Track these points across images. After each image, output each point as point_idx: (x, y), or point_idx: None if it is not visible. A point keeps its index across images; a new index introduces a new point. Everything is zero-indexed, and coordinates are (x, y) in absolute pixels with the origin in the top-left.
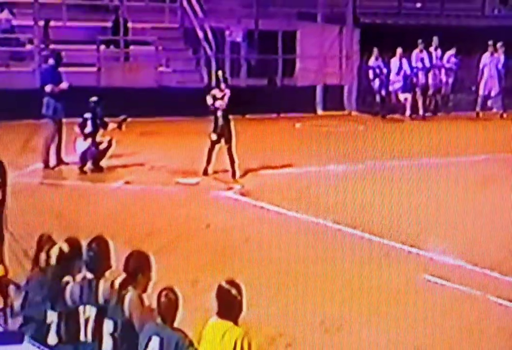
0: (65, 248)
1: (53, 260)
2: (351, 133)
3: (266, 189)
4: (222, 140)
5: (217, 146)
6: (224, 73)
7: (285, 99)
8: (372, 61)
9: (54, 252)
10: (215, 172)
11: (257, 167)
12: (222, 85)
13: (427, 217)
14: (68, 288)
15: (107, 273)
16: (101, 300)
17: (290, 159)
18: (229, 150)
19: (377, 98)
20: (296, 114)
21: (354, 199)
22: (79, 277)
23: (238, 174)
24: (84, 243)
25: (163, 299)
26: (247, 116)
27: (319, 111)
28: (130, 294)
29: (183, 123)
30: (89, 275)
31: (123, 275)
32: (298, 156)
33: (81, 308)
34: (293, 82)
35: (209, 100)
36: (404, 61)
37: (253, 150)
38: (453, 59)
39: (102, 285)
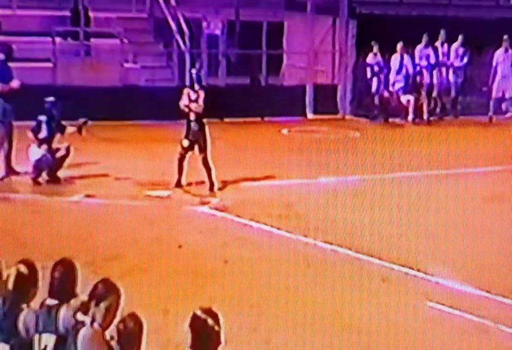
0: (24, 270)
1: (9, 285)
2: (345, 141)
3: (247, 203)
4: (196, 148)
5: (189, 154)
6: (199, 71)
7: (270, 101)
8: (370, 58)
9: (11, 275)
10: (189, 184)
11: (237, 179)
12: (196, 86)
13: (431, 237)
14: (22, 316)
15: (72, 301)
16: (61, 328)
17: (275, 170)
18: (204, 159)
19: (376, 100)
20: (283, 118)
21: (348, 216)
22: (35, 303)
23: (216, 186)
24: (38, 266)
25: (124, 328)
26: (226, 120)
27: (309, 115)
28: (86, 329)
29: (153, 127)
30: (51, 302)
31: (86, 303)
32: (285, 167)
33: (36, 337)
34: (279, 81)
35: (183, 102)
36: (407, 58)
37: (233, 159)
38: (461, 50)
39: (63, 313)
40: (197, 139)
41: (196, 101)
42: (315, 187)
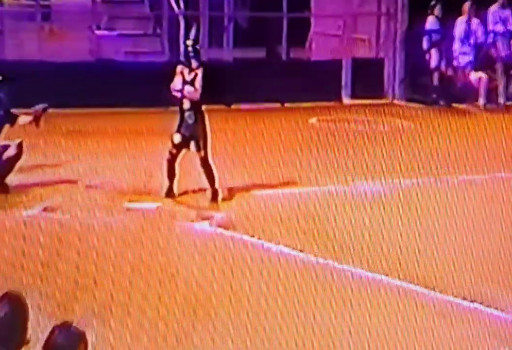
0: None
1: None
2: (392, 134)
3: (261, 218)
4: (192, 145)
5: (183, 153)
6: (196, 41)
7: (292, 81)
8: (428, 23)
9: None
10: (184, 192)
11: (247, 185)
12: (193, 62)
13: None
14: None
15: None
16: None
17: (298, 173)
18: (204, 160)
19: (434, 78)
20: (310, 103)
21: (397, 235)
22: None
23: (219, 195)
24: None
25: None
26: (234, 106)
27: (345, 99)
28: None
29: (136, 117)
30: None
31: None
32: (311, 169)
33: None
34: (305, 54)
35: (175, 85)
36: (476, 22)
37: (243, 159)
38: None
39: None
40: (193, 133)
41: (192, 83)
42: (351, 195)
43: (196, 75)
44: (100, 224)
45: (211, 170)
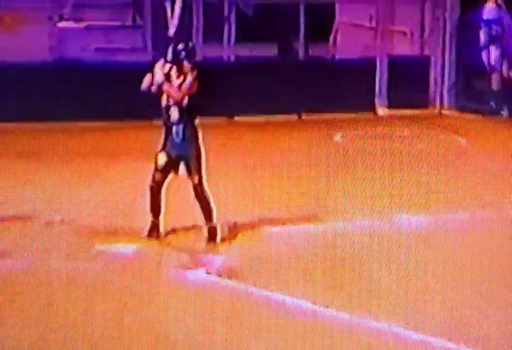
0: None
1: None
2: (441, 153)
3: (272, 264)
4: (181, 168)
5: (169, 179)
6: (184, 36)
7: (313, 86)
8: (487, 11)
9: None
10: (173, 230)
11: (255, 221)
12: (185, 63)
13: None
14: None
15: None
16: None
17: (319, 204)
18: (198, 187)
19: (494, 82)
20: (334, 115)
21: (437, 285)
22: None
23: (219, 234)
24: None
25: None
26: (237, 119)
27: (381, 109)
28: None
29: (108, 133)
30: None
31: None
32: (335, 200)
33: None
34: (329, 51)
35: (159, 84)
36: None
37: (249, 187)
38: None
39: None
40: (183, 153)
41: (179, 88)
42: (387, 233)
43: (184, 79)
44: (63, 272)
45: (208, 201)
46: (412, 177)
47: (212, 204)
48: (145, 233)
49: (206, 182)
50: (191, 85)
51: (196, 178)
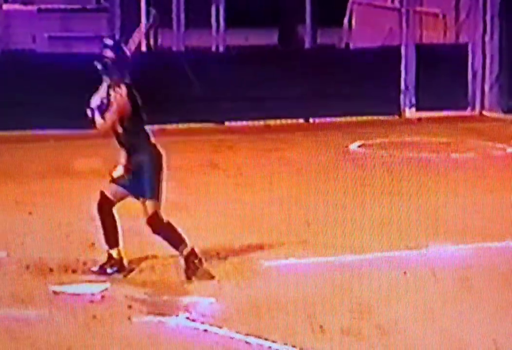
0: None
1: None
2: (482, 166)
3: (270, 307)
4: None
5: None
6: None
7: (322, 83)
8: None
9: None
10: (142, 263)
11: (249, 252)
12: (105, 78)
13: None
14: None
15: None
16: None
17: (331, 231)
18: (154, 218)
19: None
20: (350, 118)
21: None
22: None
23: (201, 267)
24: None
25: None
26: (229, 124)
27: (409, 112)
28: None
29: (62, 144)
30: None
31: None
32: (351, 225)
33: None
34: (342, 39)
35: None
36: None
37: (243, 209)
38: None
39: None
40: (136, 192)
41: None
42: (420, 268)
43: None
44: (7, 322)
45: (171, 228)
46: (447, 197)
47: (180, 234)
48: (96, 268)
49: (187, 204)
50: (115, 110)
51: (150, 208)
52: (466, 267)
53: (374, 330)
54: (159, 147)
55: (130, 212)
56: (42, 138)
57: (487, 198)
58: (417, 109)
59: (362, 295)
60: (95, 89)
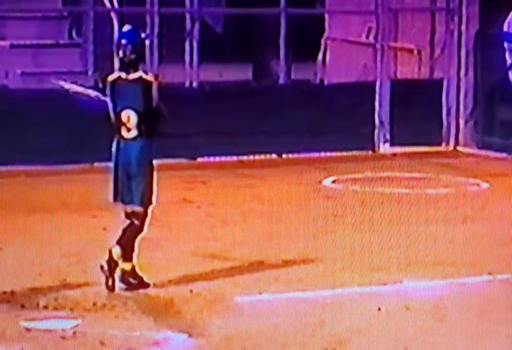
0: None
1: None
2: (457, 203)
3: (249, 342)
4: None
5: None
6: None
7: (295, 118)
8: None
9: None
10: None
11: (223, 288)
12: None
13: None
14: None
15: None
16: None
17: (304, 268)
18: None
19: None
20: (324, 154)
21: None
22: None
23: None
24: None
25: None
26: (202, 160)
27: (383, 147)
28: None
29: (39, 181)
30: None
31: None
32: (325, 261)
33: None
34: (317, 75)
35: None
36: None
37: (218, 246)
38: None
39: None
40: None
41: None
42: (393, 302)
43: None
44: None
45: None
46: (421, 232)
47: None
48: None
49: (160, 241)
50: None
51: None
52: (438, 299)
53: None
54: None
55: None
56: (13, 174)
57: (461, 230)
58: (392, 145)
59: (334, 329)
60: (68, 124)
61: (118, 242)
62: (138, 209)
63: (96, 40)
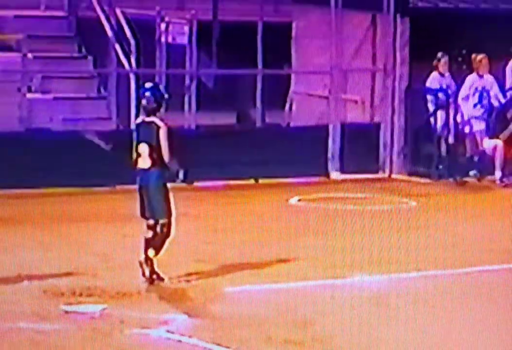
0: None
1: None
2: (393, 215)
3: (234, 322)
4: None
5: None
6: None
7: (269, 152)
8: (433, 79)
9: None
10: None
11: (215, 281)
12: (155, 118)
13: None
14: None
15: None
16: None
17: (278, 264)
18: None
19: (441, 147)
20: (290, 179)
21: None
22: None
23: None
24: None
25: None
26: (197, 184)
27: (334, 174)
28: None
29: (74, 199)
30: None
31: None
32: (293, 261)
33: None
34: (285, 119)
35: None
36: (490, 80)
37: (209, 250)
38: None
39: None
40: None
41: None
42: (346, 292)
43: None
44: (29, 333)
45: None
46: (364, 237)
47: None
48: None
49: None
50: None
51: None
52: (381, 289)
53: (313, 340)
54: None
55: None
56: (55, 194)
57: (395, 237)
58: (341, 172)
59: (302, 313)
60: (98, 155)
61: (153, 247)
62: (164, 220)
63: (118, 94)
